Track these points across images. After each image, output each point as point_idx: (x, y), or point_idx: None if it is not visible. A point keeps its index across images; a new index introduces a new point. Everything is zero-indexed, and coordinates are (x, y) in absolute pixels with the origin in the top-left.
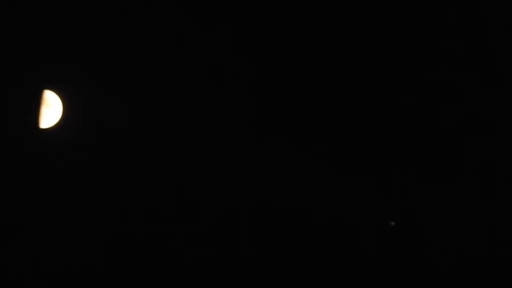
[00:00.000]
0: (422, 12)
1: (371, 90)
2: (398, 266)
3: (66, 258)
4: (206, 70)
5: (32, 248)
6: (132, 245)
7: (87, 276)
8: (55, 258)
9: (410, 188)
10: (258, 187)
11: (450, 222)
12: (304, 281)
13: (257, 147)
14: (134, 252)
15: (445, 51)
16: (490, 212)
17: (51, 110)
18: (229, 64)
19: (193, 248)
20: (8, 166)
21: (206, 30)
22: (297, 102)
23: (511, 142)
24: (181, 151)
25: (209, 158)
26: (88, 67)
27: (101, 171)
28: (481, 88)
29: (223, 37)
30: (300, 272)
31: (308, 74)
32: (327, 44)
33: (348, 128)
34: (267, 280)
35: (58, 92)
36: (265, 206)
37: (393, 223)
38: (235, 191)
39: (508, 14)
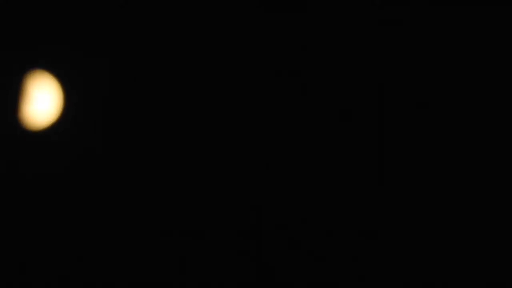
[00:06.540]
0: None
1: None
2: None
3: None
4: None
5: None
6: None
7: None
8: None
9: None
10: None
11: (447, 220)
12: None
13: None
14: (134, 253)
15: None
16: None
17: (48, 106)
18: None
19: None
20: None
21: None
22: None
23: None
24: (192, 148)
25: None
26: (93, 56)
27: (104, 174)
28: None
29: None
30: (298, 271)
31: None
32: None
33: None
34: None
35: (57, 86)
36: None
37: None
38: (232, 187)
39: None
